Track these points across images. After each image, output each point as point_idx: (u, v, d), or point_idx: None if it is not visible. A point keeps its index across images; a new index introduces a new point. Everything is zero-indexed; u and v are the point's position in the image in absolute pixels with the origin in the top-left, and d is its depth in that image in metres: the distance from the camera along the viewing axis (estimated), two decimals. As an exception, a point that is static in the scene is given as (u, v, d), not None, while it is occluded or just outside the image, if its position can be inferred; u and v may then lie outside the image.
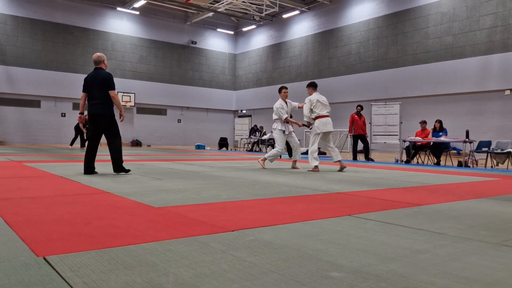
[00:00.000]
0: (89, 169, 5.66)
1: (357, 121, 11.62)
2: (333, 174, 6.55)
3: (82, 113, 6.03)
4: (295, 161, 7.77)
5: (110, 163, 5.85)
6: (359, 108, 11.82)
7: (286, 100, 7.79)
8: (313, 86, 7.50)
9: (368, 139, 12.68)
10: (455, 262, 1.80)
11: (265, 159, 7.71)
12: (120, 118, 5.86)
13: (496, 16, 15.18)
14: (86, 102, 5.89)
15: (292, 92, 23.86)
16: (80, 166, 7.00)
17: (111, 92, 5.67)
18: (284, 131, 7.66)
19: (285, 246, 2.01)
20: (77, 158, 9.62)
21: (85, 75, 6.00)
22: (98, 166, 6.11)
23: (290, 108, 7.79)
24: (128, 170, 5.78)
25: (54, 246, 1.92)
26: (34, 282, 1.43)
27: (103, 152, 8.24)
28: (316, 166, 7.04)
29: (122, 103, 23.52)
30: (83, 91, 5.82)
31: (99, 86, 5.66)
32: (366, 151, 11.73)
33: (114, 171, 5.69)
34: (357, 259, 1.81)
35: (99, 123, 5.69)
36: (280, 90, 7.83)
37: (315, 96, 7.35)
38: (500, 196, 4.19)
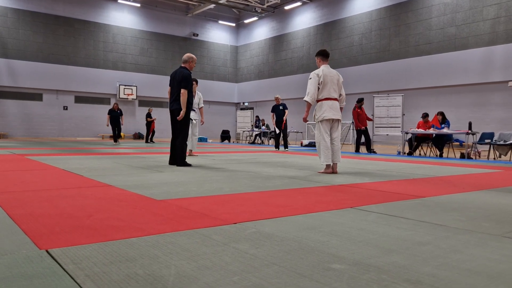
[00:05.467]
0: (174, 160, 6.09)
1: (361, 114, 11.69)
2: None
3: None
4: (190, 150, 8.36)
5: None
6: (363, 102, 11.87)
7: (196, 90, 8.52)
8: (322, 55, 5.52)
9: (371, 131, 12.68)
10: (457, 254, 1.80)
11: (190, 150, 8.35)
12: (178, 116, 6.16)
13: (499, 6, 15.04)
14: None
15: (294, 84, 23.88)
16: (82, 159, 7.03)
17: (182, 90, 6.08)
18: (191, 120, 8.18)
19: (287, 238, 2.01)
20: (79, 151, 9.64)
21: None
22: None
23: (198, 99, 8.56)
24: (189, 165, 6.05)
25: (56, 239, 1.93)
26: (36, 275, 1.44)
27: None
28: (327, 166, 5.34)
29: (124, 96, 23.52)
30: (169, 85, 6.34)
31: (177, 83, 6.12)
32: (368, 143, 11.76)
33: (177, 165, 6.05)
34: (359, 251, 1.81)
35: (175, 118, 6.14)
36: None
37: (324, 69, 5.42)
38: (502, 188, 4.18)
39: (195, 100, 8.41)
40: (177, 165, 6.03)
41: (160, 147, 13.01)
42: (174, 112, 6.21)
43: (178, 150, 6.08)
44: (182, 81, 6.10)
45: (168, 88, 6.44)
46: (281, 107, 11.96)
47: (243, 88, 27.78)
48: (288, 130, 12.82)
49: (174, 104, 6.20)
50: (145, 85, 24.24)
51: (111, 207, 2.74)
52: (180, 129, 6.15)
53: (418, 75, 17.40)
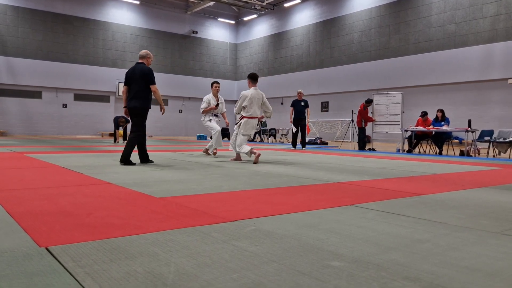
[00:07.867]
0: (127, 159, 5.70)
1: (367, 113, 11.77)
2: (333, 164, 6.55)
3: (126, 107, 5.98)
4: (215, 149, 7.95)
5: (131, 154, 5.83)
6: (371, 103, 11.95)
7: (218, 95, 8.01)
8: (251, 78, 6.79)
9: (370, 128, 12.71)
10: (456, 251, 1.80)
11: (214, 152, 7.90)
12: (161, 111, 6.04)
13: (499, 4, 15.02)
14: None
15: (293, 81, 23.81)
16: (82, 157, 7.03)
17: (152, 87, 5.81)
18: (210, 120, 7.86)
19: (286, 236, 2.02)
20: (78, 149, 9.63)
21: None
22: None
23: (222, 103, 8.01)
24: (134, 164, 5.74)
25: (56, 236, 1.93)
26: (36, 272, 1.44)
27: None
28: (250, 150, 6.43)
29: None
30: (125, 84, 5.92)
31: (137, 80, 5.76)
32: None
33: (145, 161, 5.97)
34: (358, 248, 1.82)
35: (134, 115, 5.82)
36: (211, 85, 8.05)
37: (252, 92, 6.68)
38: (501, 185, 4.19)
39: (215, 103, 7.86)
40: (146, 162, 5.93)
41: (160, 145, 13.01)
42: (132, 110, 5.81)
43: (129, 144, 5.78)
44: (147, 77, 5.77)
45: (123, 88, 5.98)
46: (302, 103, 11.29)
47: (243, 85, 27.75)
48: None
49: (133, 102, 5.77)
50: (145, 83, 24.18)
51: (111, 205, 2.75)
52: (139, 124, 5.84)
53: (418, 72, 17.39)
